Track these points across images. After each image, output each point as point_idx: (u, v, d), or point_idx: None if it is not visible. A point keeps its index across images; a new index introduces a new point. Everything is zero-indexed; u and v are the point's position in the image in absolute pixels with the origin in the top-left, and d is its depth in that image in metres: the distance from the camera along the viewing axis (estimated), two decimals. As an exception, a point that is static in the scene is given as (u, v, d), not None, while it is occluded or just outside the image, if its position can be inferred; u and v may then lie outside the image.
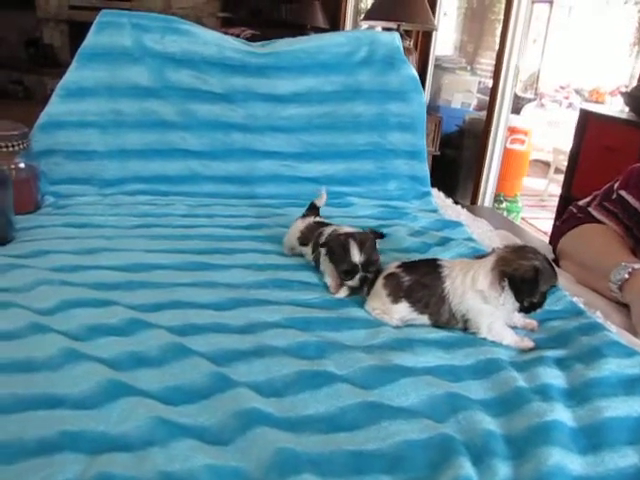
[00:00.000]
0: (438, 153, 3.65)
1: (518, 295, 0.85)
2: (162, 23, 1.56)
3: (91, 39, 1.53)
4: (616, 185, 1.20)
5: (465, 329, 0.89)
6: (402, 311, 0.90)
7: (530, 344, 0.87)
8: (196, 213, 1.40)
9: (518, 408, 0.71)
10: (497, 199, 4.17)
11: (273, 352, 0.79)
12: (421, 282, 0.90)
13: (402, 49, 1.69)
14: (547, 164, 5.82)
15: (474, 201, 3.56)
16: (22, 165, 1.31)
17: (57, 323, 0.83)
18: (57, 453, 0.59)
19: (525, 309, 0.87)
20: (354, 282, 0.97)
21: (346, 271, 0.97)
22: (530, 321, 0.92)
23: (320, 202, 1.20)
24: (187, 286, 0.98)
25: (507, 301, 0.85)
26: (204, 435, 0.64)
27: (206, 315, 0.89)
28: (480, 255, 0.92)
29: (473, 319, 0.87)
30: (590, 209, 1.23)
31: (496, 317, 0.87)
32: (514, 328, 0.90)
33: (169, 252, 1.12)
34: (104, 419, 0.65)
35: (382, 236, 1.02)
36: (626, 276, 1.00)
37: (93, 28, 1.54)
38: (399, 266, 0.94)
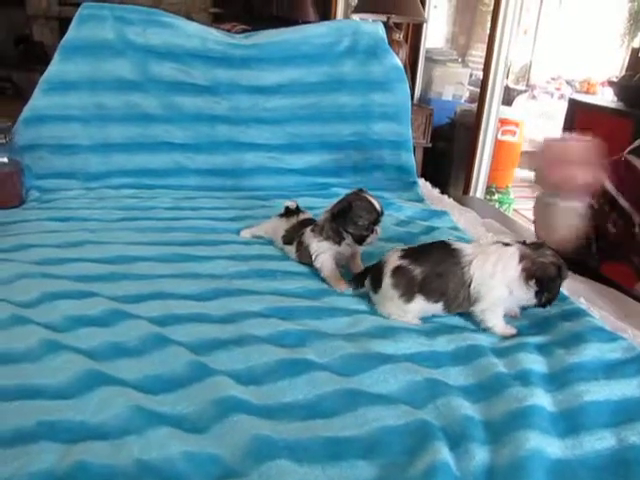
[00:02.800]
0: (429, 145, 3.65)
1: (541, 292, 0.85)
2: (144, 16, 1.55)
3: (73, 32, 1.53)
4: None
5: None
6: (418, 307, 0.89)
7: (513, 331, 0.87)
8: (181, 206, 1.39)
9: (498, 394, 0.71)
10: (489, 190, 4.17)
11: (254, 341, 0.79)
12: (436, 272, 0.87)
13: (386, 39, 1.68)
14: (539, 155, 5.82)
15: (466, 193, 3.56)
16: (5, 160, 1.31)
17: (38, 315, 0.83)
18: (33, 443, 0.59)
19: (542, 304, 0.87)
20: (372, 237, 1.00)
21: (368, 225, 0.99)
22: (512, 308, 0.92)
23: (292, 205, 1.19)
24: (169, 277, 0.98)
25: (529, 295, 0.86)
26: (182, 423, 0.64)
27: (187, 305, 0.89)
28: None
29: (483, 297, 0.87)
30: None
31: (503, 303, 0.87)
32: None
33: (153, 244, 1.12)
34: (82, 409, 0.65)
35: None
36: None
37: (74, 21, 1.53)
38: (402, 256, 0.90)
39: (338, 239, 1.02)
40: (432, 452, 0.60)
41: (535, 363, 0.77)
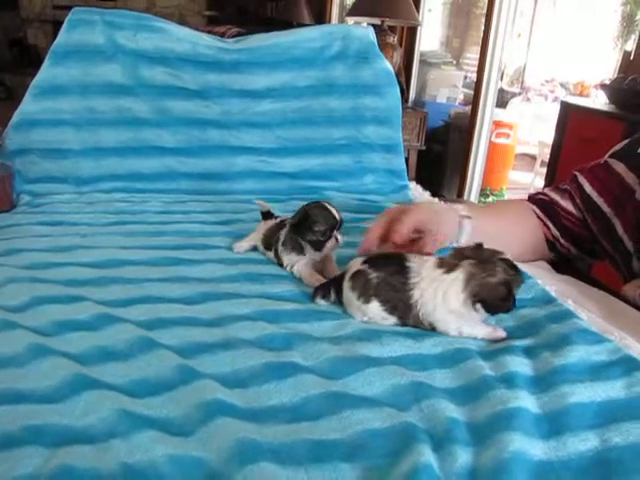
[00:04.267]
0: (424, 148, 3.66)
1: (493, 312, 0.84)
2: (134, 20, 1.55)
3: (63, 37, 1.53)
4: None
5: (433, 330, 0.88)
6: (376, 310, 0.87)
7: (503, 334, 0.86)
8: (172, 210, 1.40)
9: (482, 396, 0.71)
10: (483, 193, 4.19)
11: (240, 344, 0.79)
12: (389, 282, 0.86)
13: (376, 43, 1.69)
14: (533, 157, 5.86)
15: (460, 195, 3.58)
16: (-5, 164, 1.31)
17: (26, 320, 0.83)
18: (18, 447, 0.59)
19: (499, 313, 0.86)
20: (331, 243, 1.00)
21: (325, 231, 0.99)
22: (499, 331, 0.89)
23: (265, 207, 1.20)
24: (158, 281, 0.98)
25: (481, 314, 0.84)
26: (167, 426, 0.64)
27: (175, 309, 0.89)
28: (443, 258, 0.88)
29: (441, 327, 0.86)
30: (546, 189, 1.24)
31: (463, 323, 0.85)
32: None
33: (142, 248, 1.12)
34: (68, 412, 0.65)
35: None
36: None
37: (64, 26, 1.53)
38: (364, 262, 0.90)
39: (300, 249, 1.03)
40: (415, 454, 0.60)
41: (521, 366, 0.77)
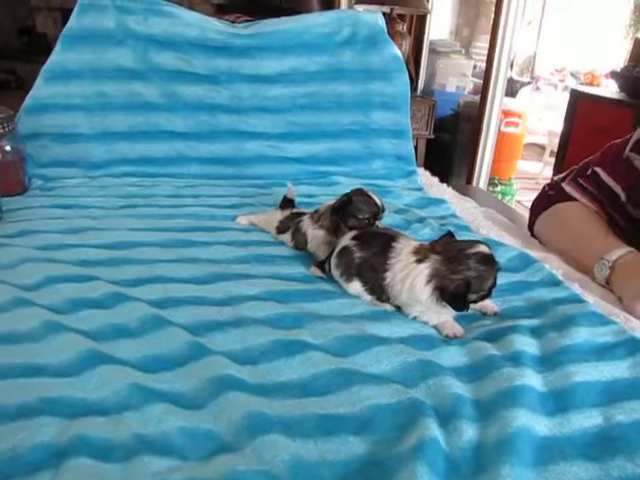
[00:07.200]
0: (433, 137, 3.65)
1: (454, 307, 0.83)
2: (145, 5, 1.56)
3: (74, 21, 1.54)
4: (592, 161, 1.20)
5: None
6: (358, 289, 0.90)
7: (461, 331, 0.84)
8: (182, 194, 1.41)
9: (489, 374, 0.73)
10: (492, 182, 4.18)
11: (250, 323, 0.81)
12: (371, 263, 0.88)
13: (385, 29, 1.70)
14: (543, 147, 5.83)
15: (469, 184, 3.57)
16: (8, 148, 1.32)
17: (40, 298, 0.85)
18: (35, 417, 0.61)
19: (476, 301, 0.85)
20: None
21: (369, 219, 1.01)
22: (490, 305, 0.89)
23: (292, 195, 1.22)
24: (169, 262, 1.00)
25: (447, 307, 0.83)
26: (179, 400, 0.66)
27: (186, 289, 0.90)
28: (422, 245, 0.87)
29: (406, 310, 0.87)
30: (563, 184, 1.22)
31: (424, 310, 0.85)
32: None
33: (153, 230, 1.14)
34: (83, 386, 0.66)
35: None
36: (608, 272, 1.00)
37: (76, 10, 1.54)
38: (354, 237, 0.91)
39: (334, 231, 1.04)
40: (422, 428, 0.61)
41: (527, 345, 0.78)
